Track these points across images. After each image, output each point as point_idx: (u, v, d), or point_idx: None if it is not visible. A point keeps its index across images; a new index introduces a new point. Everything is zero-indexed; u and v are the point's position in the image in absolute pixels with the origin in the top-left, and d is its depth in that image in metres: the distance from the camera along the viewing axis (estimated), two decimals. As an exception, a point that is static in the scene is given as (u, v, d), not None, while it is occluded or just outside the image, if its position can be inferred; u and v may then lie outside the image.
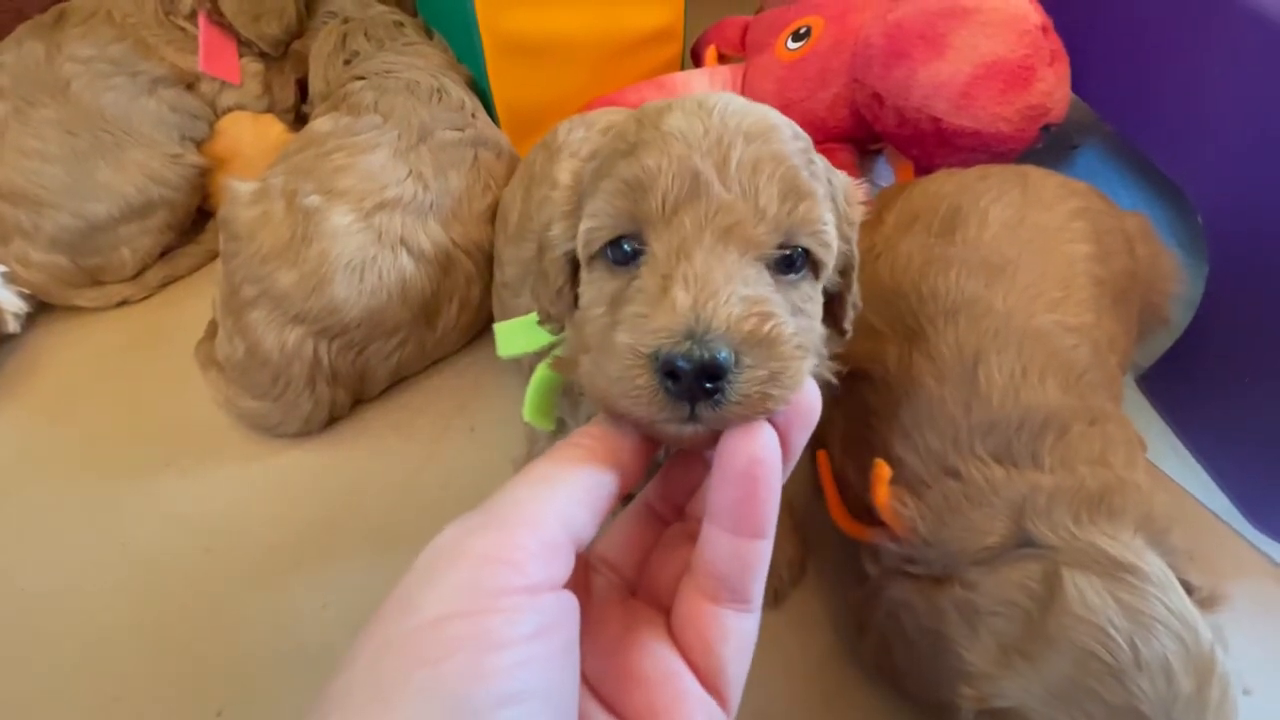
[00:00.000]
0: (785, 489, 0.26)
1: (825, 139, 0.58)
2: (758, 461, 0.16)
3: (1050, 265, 0.36)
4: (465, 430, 0.48)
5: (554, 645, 0.14)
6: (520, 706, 0.13)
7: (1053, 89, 0.47)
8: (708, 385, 0.17)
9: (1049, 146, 0.50)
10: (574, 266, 0.23)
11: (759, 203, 0.19)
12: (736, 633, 0.17)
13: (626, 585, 0.20)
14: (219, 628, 0.39)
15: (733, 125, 0.20)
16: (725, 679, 0.17)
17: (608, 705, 0.17)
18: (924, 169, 0.53)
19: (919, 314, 0.35)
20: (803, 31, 0.59)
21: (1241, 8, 0.40)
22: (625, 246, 0.20)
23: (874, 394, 0.35)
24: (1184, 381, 0.46)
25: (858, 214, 0.25)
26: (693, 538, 0.18)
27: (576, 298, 0.23)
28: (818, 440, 0.38)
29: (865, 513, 0.34)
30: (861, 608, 0.34)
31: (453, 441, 0.47)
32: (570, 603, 0.15)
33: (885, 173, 0.63)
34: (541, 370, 0.26)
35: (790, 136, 0.21)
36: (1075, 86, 0.50)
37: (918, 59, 0.49)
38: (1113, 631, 0.25)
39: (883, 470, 0.32)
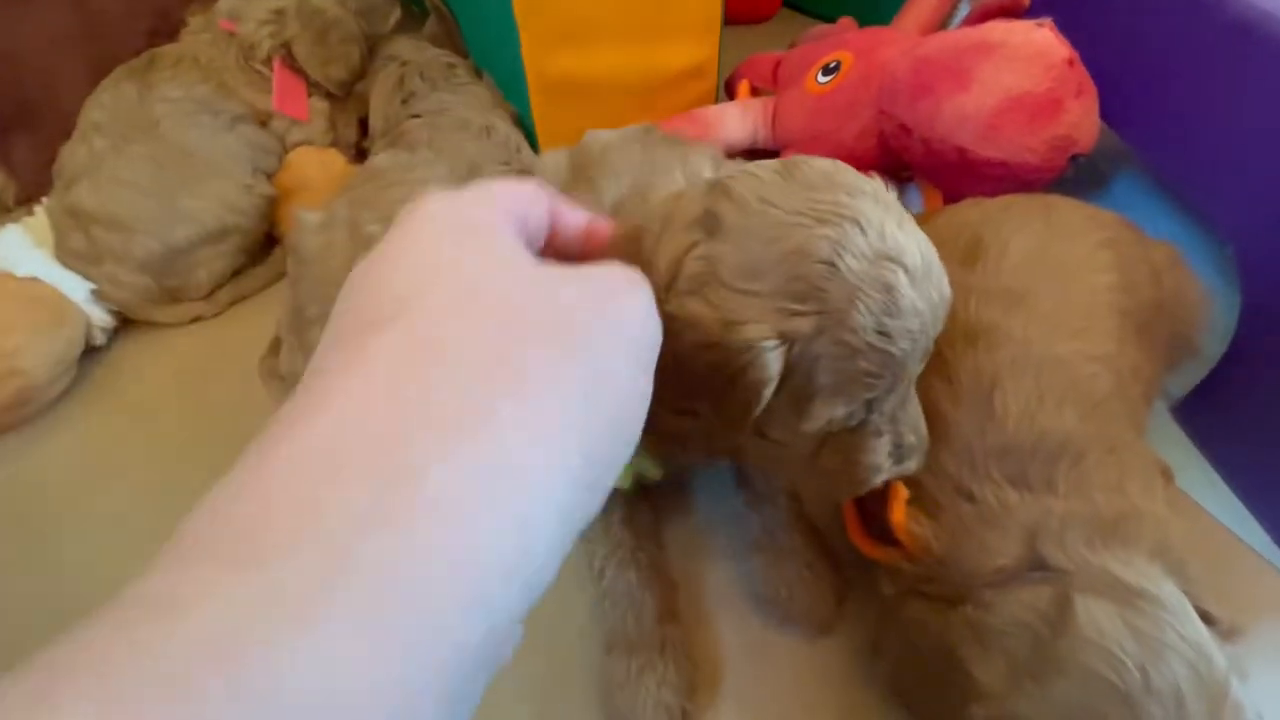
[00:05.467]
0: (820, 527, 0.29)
1: (854, 168, 0.60)
2: None
3: (1072, 295, 0.37)
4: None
5: None
6: None
7: (1079, 120, 0.48)
8: None
9: (1079, 175, 0.51)
10: None
11: None
12: None
13: None
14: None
15: None
16: None
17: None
18: (952, 197, 0.54)
19: (939, 340, 0.36)
20: (832, 66, 0.61)
21: (1272, 39, 0.40)
22: None
23: (893, 418, 0.36)
24: (1219, 412, 0.45)
25: None
26: None
27: None
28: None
29: (883, 533, 0.35)
30: (877, 627, 0.35)
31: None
32: None
33: (916, 199, 0.64)
34: None
35: None
36: (1104, 116, 0.50)
37: (943, 92, 0.50)
38: (1123, 656, 0.25)
39: (900, 491, 0.33)
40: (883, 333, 0.24)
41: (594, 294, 0.18)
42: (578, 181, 0.40)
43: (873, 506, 0.36)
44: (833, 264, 0.23)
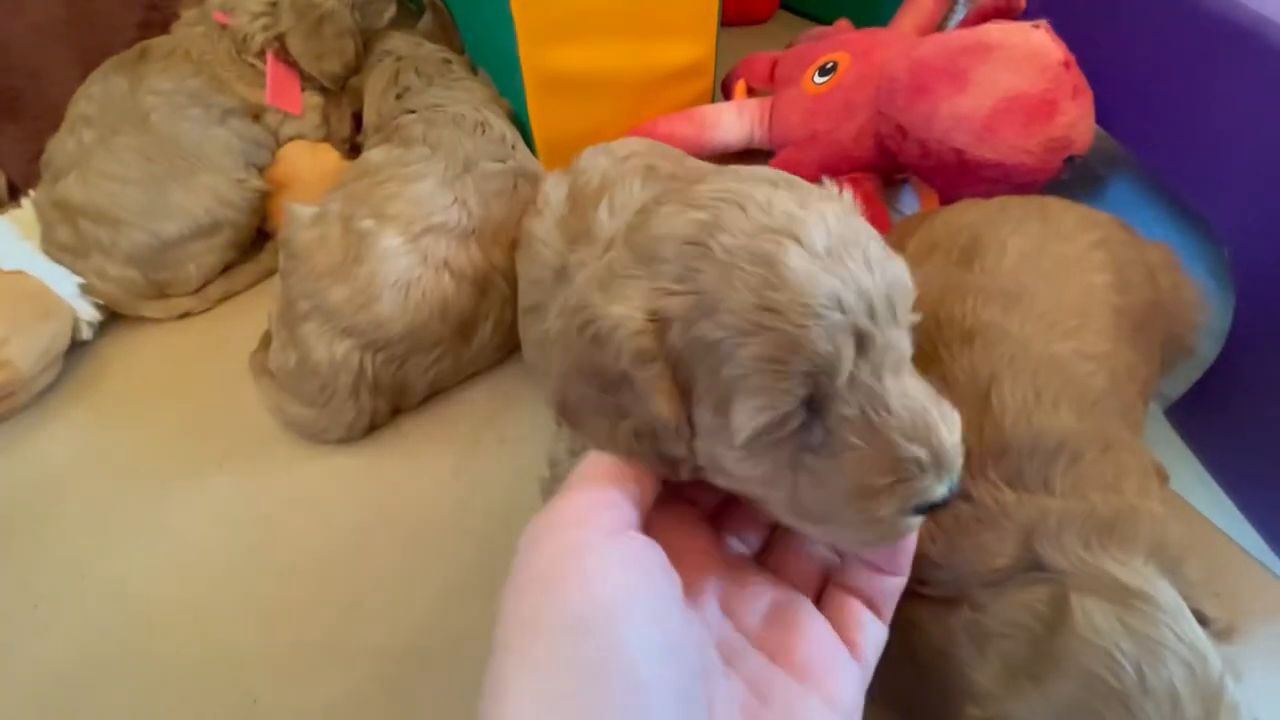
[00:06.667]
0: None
1: (850, 169, 0.60)
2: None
3: (1068, 294, 0.37)
4: (495, 442, 0.50)
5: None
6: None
7: (1075, 122, 0.48)
8: None
9: (1075, 177, 0.51)
10: None
11: None
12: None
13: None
14: (257, 619, 0.42)
15: None
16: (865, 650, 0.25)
17: (770, 656, 0.24)
18: (948, 198, 0.54)
19: (935, 339, 0.36)
20: (829, 66, 0.61)
21: (1268, 42, 0.40)
22: None
23: (890, 417, 0.36)
24: (1212, 414, 0.46)
25: None
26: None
27: None
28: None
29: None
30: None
31: (482, 452, 0.50)
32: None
33: (911, 201, 0.64)
34: None
35: None
36: (1100, 119, 0.50)
37: (940, 94, 0.50)
38: (1119, 656, 0.25)
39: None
40: (769, 309, 0.21)
41: None
42: (577, 214, 0.39)
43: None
44: (704, 244, 0.22)
